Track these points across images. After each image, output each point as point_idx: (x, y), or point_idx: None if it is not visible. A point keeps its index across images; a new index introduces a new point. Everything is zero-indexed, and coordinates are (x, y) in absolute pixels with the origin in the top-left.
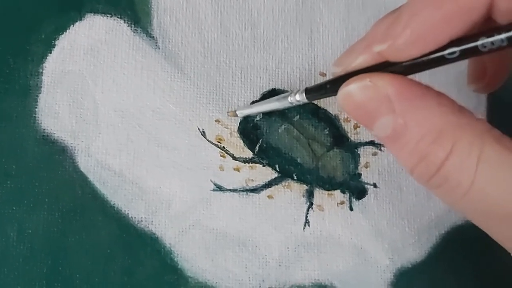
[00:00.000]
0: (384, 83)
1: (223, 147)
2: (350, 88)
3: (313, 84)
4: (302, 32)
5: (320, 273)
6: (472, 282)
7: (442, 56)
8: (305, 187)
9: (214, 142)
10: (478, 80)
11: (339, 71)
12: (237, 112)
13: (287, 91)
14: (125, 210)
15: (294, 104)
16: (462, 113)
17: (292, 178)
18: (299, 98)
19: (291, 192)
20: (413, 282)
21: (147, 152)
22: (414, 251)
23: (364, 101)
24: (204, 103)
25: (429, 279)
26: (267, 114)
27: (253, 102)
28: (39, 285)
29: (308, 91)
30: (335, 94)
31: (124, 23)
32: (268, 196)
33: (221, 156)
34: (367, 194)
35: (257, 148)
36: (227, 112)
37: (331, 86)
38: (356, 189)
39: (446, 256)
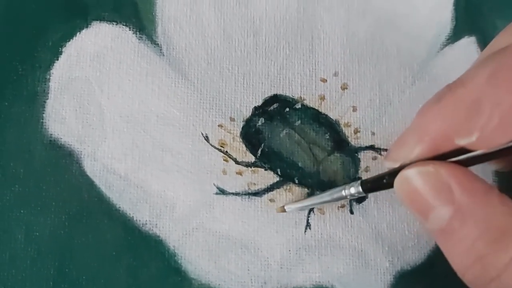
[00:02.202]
0: (447, 172)
1: (226, 151)
2: (409, 173)
3: (313, 88)
4: (303, 39)
5: (321, 275)
6: None
7: None
8: (306, 190)
9: (217, 147)
10: (500, 160)
11: (396, 166)
12: (285, 208)
13: (288, 97)
14: (130, 213)
15: (348, 198)
16: None
17: (294, 182)
18: (354, 191)
19: (293, 196)
20: (413, 284)
21: (152, 157)
22: (413, 254)
23: (423, 188)
24: (207, 108)
25: (428, 281)
26: (268, 119)
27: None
28: (46, 286)
29: (364, 184)
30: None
31: (130, 30)
32: (270, 200)
33: (224, 160)
34: (367, 198)
35: (259, 152)
36: (275, 209)
37: (390, 179)
38: None
39: (445, 258)
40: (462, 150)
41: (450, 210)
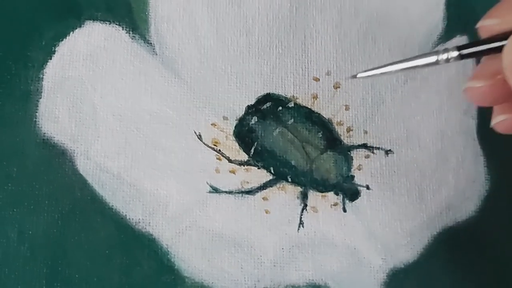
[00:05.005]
0: None
1: (219, 150)
2: None
3: (305, 87)
4: (296, 38)
5: (314, 274)
6: (463, 283)
7: None
8: (299, 189)
9: (210, 145)
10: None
11: (497, 22)
12: (358, 76)
13: (281, 96)
14: (123, 212)
15: (440, 63)
16: None
17: (287, 180)
18: (450, 56)
19: (286, 194)
20: (406, 282)
21: (145, 155)
22: (406, 252)
23: None
24: (200, 107)
25: (421, 279)
26: (261, 118)
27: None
28: (39, 285)
29: (461, 48)
30: (494, 52)
31: (123, 30)
32: (263, 198)
33: (217, 159)
34: (360, 196)
35: (252, 151)
36: (346, 77)
37: (494, 42)
38: (349, 191)
39: (438, 256)
40: None
41: None
